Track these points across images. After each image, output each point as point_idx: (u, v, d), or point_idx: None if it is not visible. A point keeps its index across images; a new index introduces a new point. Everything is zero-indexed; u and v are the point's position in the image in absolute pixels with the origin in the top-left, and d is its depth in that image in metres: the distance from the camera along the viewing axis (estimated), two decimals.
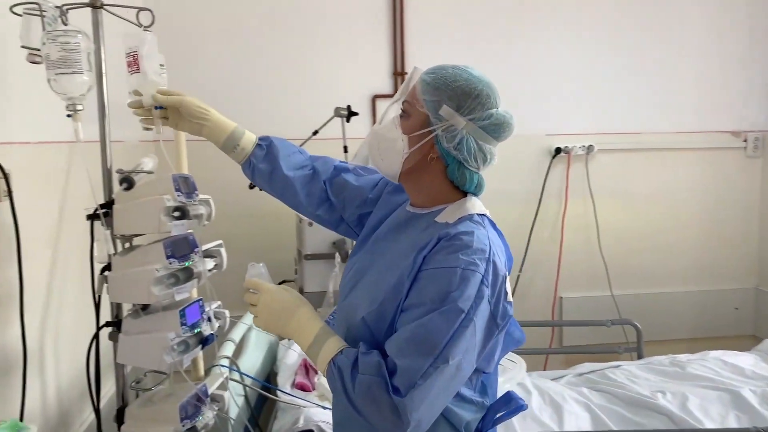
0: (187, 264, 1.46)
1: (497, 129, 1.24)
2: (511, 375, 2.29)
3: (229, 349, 2.04)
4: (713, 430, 2.09)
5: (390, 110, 1.40)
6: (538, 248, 3.42)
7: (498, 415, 1.25)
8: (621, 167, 3.46)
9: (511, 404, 1.25)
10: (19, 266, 1.52)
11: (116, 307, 1.54)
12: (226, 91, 3.14)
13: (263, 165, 1.44)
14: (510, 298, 1.19)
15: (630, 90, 3.42)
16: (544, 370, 3.23)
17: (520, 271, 3.39)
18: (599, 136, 3.41)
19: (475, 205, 1.26)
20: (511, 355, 2.41)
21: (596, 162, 3.43)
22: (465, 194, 1.29)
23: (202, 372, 1.82)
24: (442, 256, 1.14)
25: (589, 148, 3.38)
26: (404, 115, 1.27)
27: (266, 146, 1.46)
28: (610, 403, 2.35)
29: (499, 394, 1.30)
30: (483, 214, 1.25)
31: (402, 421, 1.05)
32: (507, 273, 1.20)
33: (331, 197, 1.46)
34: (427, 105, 1.23)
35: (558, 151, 3.36)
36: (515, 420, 2.16)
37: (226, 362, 1.96)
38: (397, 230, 1.32)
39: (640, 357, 2.93)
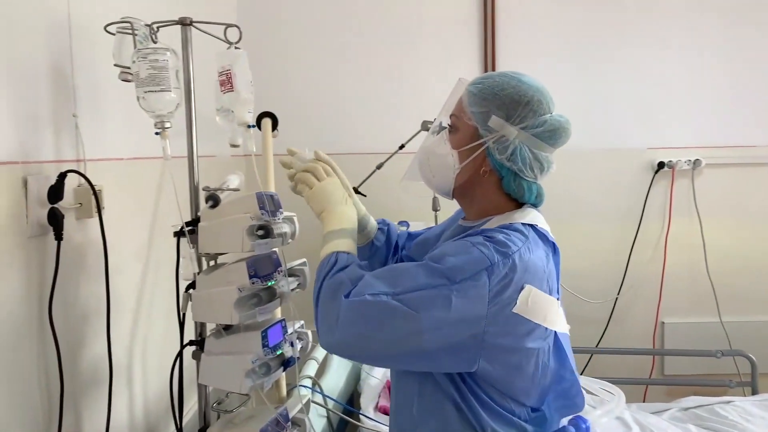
0: (270, 284, 1.42)
1: (552, 135, 1.17)
2: (609, 408, 2.12)
3: (312, 368, 2.00)
4: None
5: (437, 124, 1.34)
6: (638, 270, 3.19)
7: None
8: (732, 183, 3.18)
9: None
10: (107, 282, 1.53)
11: (200, 326, 1.52)
12: (312, 105, 3.14)
13: (382, 246, 1.48)
14: (539, 320, 1.09)
15: (742, 99, 3.14)
16: (643, 401, 3.00)
17: (618, 294, 3.18)
18: (707, 149, 3.15)
19: (526, 215, 1.18)
20: (607, 385, 2.25)
21: (704, 178, 3.17)
22: (522, 205, 1.22)
23: (284, 392, 1.78)
24: (459, 237, 1.15)
25: (696, 163, 3.13)
26: (452, 129, 1.23)
27: (386, 230, 1.50)
28: None
29: (598, 429, 1.20)
30: (532, 225, 1.17)
31: (329, 324, 1.08)
32: (535, 286, 1.09)
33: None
34: (476, 117, 1.18)
35: (661, 165, 3.13)
36: None
37: (308, 382, 1.92)
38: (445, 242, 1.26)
39: (754, 392, 2.67)
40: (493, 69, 3.10)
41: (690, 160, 3.13)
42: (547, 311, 1.10)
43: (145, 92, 1.33)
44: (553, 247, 1.19)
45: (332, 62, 3.15)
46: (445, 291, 1.04)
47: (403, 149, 2.68)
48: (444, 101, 1.32)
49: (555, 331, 1.15)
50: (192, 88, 1.49)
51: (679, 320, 3.24)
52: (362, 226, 1.44)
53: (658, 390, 3.18)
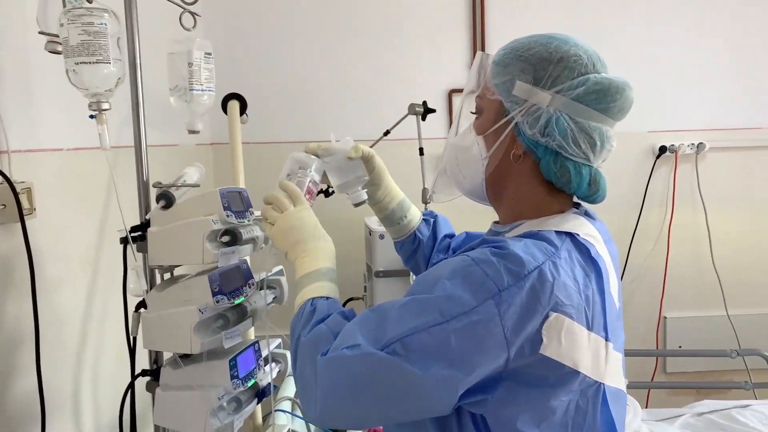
0: (238, 301, 1.16)
1: (601, 98, 0.90)
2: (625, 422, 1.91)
3: (291, 388, 1.75)
4: None
5: (462, 113, 1.08)
6: (640, 262, 3.01)
7: None
8: (738, 168, 3.00)
9: None
10: (34, 298, 1.24)
11: (155, 353, 1.26)
12: (296, 92, 2.90)
13: (427, 240, 1.30)
14: (576, 365, 0.83)
15: (747, 79, 2.95)
16: (646, 406, 2.82)
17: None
18: (711, 132, 2.96)
19: (567, 221, 0.91)
20: None
21: (708, 162, 2.98)
22: (561, 208, 0.96)
23: (259, 421, 1.53)
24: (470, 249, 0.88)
25: (700, 147, 2.94)
26: (477, 113, 0.98)
27: (432, 221, 1.33)
28: None
29: None
30: (570, 234, 0.89)
31: (309, 391, 0.87)
32: (567, 315, 0.82)
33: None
34: (499, 89, 0.93)
35: (663, 150, 2.93)
36: None
37: (287, 405, 1.66)
38: None
39: None
40: (482, 48, 2.87)
41: (693, 144, 2.94)
42: (591, 354, 0.84)
43: (77, 64, 1.06)
44: (598, 269, 0.89)
45: (317, 48, 2.90)
46: (440, 333, 0.79)
47: (389, 135, 2.44)
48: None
49: (603, 388, 0.88)
50: (138, 61, 1.22)
51: (683, 314, 3.06)
52: (398, 216, 1.27)
53: (661, 394, 3.01)
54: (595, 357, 0.85)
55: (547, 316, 0.80)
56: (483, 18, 2.87)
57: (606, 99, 0.90)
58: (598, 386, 0.87)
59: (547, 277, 0.81)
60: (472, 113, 1.00)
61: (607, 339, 0.87)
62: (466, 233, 1.30)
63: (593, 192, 0.94)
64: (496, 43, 2.86)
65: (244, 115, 1.71)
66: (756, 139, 2.96)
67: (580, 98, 0.89)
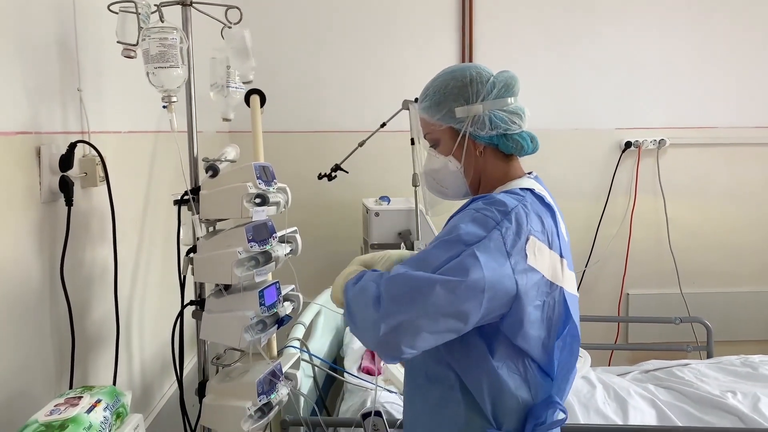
0: (266, 248, 1.54)
1: (506, 88, 1.29)
2: (577, 367, 2.29)
3: (299, 331, 2.13)
4: None
5: (423, 150, 1.45)
6: (606, 244, 3.39)
7: (539, 422, 1.21)
8: (694, 163, 3.38)
9: (550, 408, 1.21)
10: (114, 246, 1.63)
11: (199, 288, 1.64)
12: (296, 85, 3.25)
13: None
14: (545, 273, 1.17)
15: (706, 83, 3.34)
16: (609, 365, 3.20)
17: (586, 266, 3.36)
18: (672, 130, 3.34)
19: (523, 183, 1.29)
20: None
21: (668, 157, 3.36)
22: (518, 173, 1.33)
23: (275, 352, 1.90)
24: (463, 210, 1.22)
25: (661, 143, 3.31)
26: (435, 144, 1.35)
27: None
28: (677, 401, 2.31)
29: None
30: (530, 189, 1.27)
31: (378, 317, 1.09)
32: (537, 238, 1.17)
33: None
34: (444, 120, 1.30)
35: (628, 145, 3.31)
36: (579, 413, 2.17)
37: (297, 344, 2.05)
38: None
39: (709, 356, 2.87)
40: (470, 49, 3.23)
41: (655, 140, 3.31)
42: (553, 266, 1.20)
43: (155, 68, 1.43)
44: (551, 211, 1.26)
45: (315, 42, 3.25)
46: (469, 253, 1.11)
47: (385, 127, 2.79)
48: (423, 83, 1.40)
49: (563, 292, 1.22)
50: (192, 66, 1.59)
51: (642, 291, 3.44)
52: None
53: (623, 356, 3.38)
54: (554, 268, 1.20)
55: (528, 239, 1.16)
56: (471, 22, 3.22)
57: (509, 86, 1.30)
58: (561, 289, 1.22)
59: (522, 212, 1.18)
60: (431, 147, 1.35)
61: (561, 256, 1.23)
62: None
63: (535, 146, 1.32)
64: (482, 43, 3.23)
65: (262, 107, 2.07)
66: (711, 136, 3.33)
67: (498, 95, 1.28)
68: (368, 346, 1.18)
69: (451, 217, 1.28)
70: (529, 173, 1.37)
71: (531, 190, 1.27)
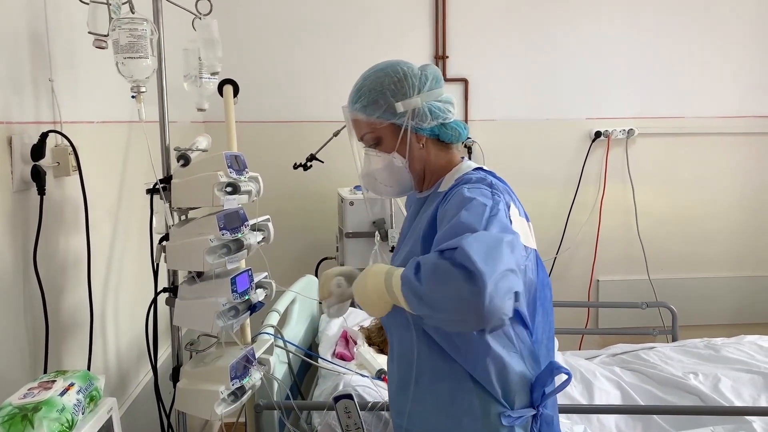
0: (238, 236, 1.57)
1: (436, 80, 1.36)
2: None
3: (273, 318, 2.16)
4: (739, 408, 2.13)
5: (358, 154, 1.48)
6: (576, 232, 3.46)
7: (546, 389, 1.27)
8: (662, 152, 3.46)
9: (554, 374, 1.26)
10: (87, 235, 1.65)
11: (172, 275, 1.67)
12: (270, 75, 3.27)
13: None
14: (522, 238, 1.20)
15: (673, 74, 3.41)
16: (579, 349, 3.28)
17: (557, 253, 3.43)
18: (640, 120, 3.41)
19: (469, 166, 1.37)
20: None
21: (636, 146, 3.44)
22: (458, 160, 1.41)
23: (249, 338, 1.94)
24: (452, 196, 1.25)
25: (630, 132, 3.39)
26: (376, 144, 1.37)
27: None
28: (641, 382, 2.40)
29: None
30: (478, 168, 1.36)
31: (476, 280, 0.98)
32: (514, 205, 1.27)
33: None
34: (385, 117, 1.33)
35: (598, 135, 3.38)
36: None
37: (271, 330, 2.08)
38: (416, 215, 1.41)
39: (674, 340, 2.96)
40: (444, 42, 3.27)
41: (624, 130, 3.38)
42: (524, 231, 1.26)
43: (125, 58, 1.45)
44: (504, 183, 1.34)
45: (290, 34, 3.27)
46: (494, 211, 1.15)
47: None
48: None
49: (536, 254, 1.31)
50: (163, 57, 1.61)
51: (612, 278, 3.52)
52: None
53: (594, 340, 3.47)
54: (525, 233, 1.28)
55: (509, 205, 1.23)
56: (444, 14, 3.26)
57: (439, 79, 1.37)
58: (535, 252, 1.31)
59: (499, 184, 1.27)
60: (371, 146, 1.37)
61: (528, 220, 1.33)
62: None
63: (467, 132, 1.39)
64: (455, 36, 3.27)
65: (235, 97, 2.09)
66: (678, 126, 3.42)
67: (431, 87, 1.33)
68: (469, 323, 1.06)
69: (437, 208, 1.28)
70: (462, 158, 1.43)
71: (481, 168, 1.36)
